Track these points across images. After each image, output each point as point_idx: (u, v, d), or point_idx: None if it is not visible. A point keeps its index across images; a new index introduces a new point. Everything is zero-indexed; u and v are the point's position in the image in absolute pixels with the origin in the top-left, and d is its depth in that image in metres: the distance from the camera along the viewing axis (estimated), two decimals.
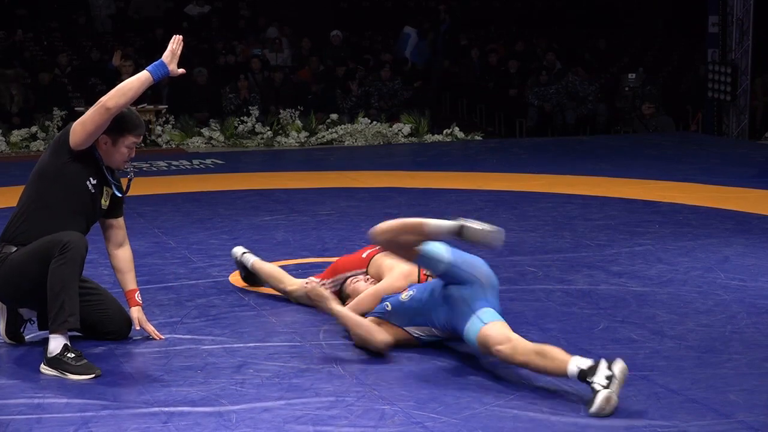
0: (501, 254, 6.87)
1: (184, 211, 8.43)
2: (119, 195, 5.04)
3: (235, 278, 6.24)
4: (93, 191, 4.90)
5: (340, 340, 5.07)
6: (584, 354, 4.79)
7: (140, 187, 9.60)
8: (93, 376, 4.60)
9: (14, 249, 4.82)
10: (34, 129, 13.00)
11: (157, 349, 4.94)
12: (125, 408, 4.20)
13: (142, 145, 12.75)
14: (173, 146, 13.08)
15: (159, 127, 13.19)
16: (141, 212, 8.38)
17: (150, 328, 5.10)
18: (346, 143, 13.49)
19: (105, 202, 5.00)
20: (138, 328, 5.08)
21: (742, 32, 14.49)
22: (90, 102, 13.40)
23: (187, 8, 18.64)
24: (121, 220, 5.14)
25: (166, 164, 11.28)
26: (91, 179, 4.88)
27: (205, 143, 13.34)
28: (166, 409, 4.19)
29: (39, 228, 4.79)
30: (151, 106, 13.30)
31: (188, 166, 11.21)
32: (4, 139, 12.72)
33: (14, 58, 15.66)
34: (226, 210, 8.52)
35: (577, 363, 4.20)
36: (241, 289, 6.03)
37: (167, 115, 13.45)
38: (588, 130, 15.76)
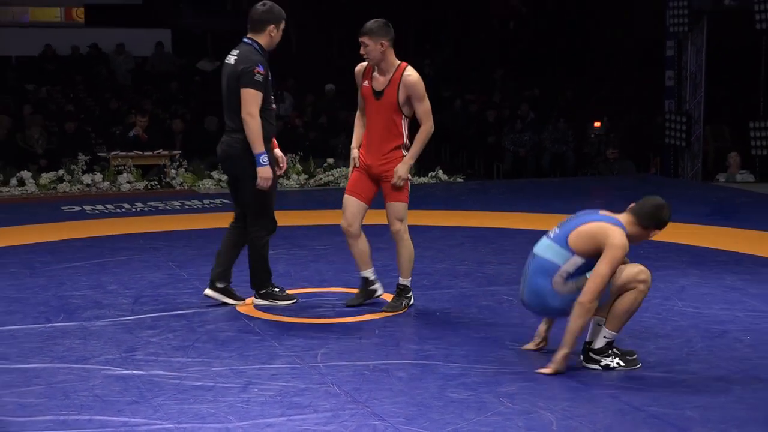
0: (480, 285, 6.89)
1: (195, 246, 8.41)
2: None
3: (242, 307, 6.24)
4: (271, 81, 6.08)
5: (336, 362, 5.07)
6: (557, 377, 4.82)
7: (156, 224, 9.63)
8: (294, 301, 6.21)
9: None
10: (60, 172, 13.00)
11: (170, 371, 4.93)
12: (143, 425, 4.19)
13: (158, 186, 12.76)
14: (186, 187, 13.07)
15: (173, 170, 13.20)
16: (157, 247, 8.37)
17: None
18: (342, 185, 13.50)
19: None
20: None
21: (695, 85, 14.60)
22: (111, 148, 13.47)
23: (199, 63, 18.73)
24: None
25: (179, 204, 11.28)
26: (269, 77, 6.02)
27: (215, 185, 13.32)
28: (180, 425, 4.18)
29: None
30: (166, 152, 13.32)
31: (199, 206, 11.21)
32: (33, 181, 12.72)
33: (42, 109, 15.70)
34: None
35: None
36: (247, 316, 6.02)
37: (181, 160, 13.46)
38: (558, 173, 15.82)
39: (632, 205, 4.98)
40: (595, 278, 4.76)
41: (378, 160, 5.99)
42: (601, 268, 4.76)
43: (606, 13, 20.08)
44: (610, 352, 4.92)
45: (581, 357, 4.94)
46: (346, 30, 18.66)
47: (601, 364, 4.89)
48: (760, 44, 13.79)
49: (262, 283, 6.22)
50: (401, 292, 6.12)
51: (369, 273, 6.14)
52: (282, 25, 6.02)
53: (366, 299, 6.16)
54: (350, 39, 18.38)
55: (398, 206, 5.98)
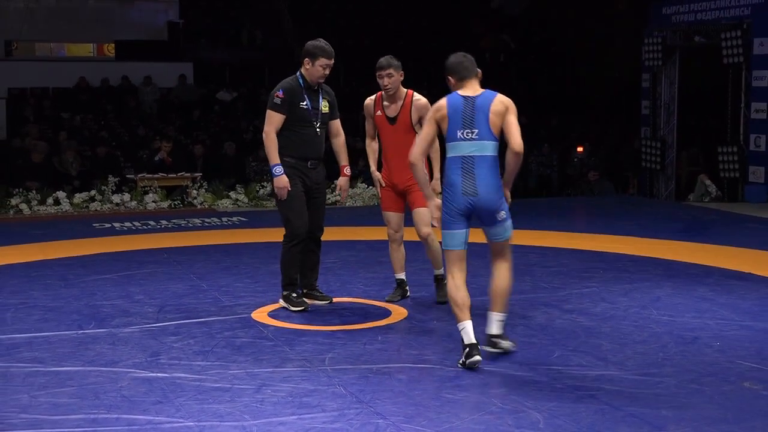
0: (472, 295, 6.86)
1: (214, 260, 8.42)
2: (327, 102, 6.32)
3: (257, 315, 6.23)
4: (308, 107, 6.16)
5: (342, 365, 5.06)
6: (544, 375, 4.81)
7: (178, 240, 9.63)
8: (303, 308, 6.20)
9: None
10: (92, 192, 13.01)
11: (191, 374, 4.92)
12: (166, 422, 4.19)
13: (181, 205, 12.77)
14: (206, 206, 13.08)
15: (194, 191, 13.21)
16: (179, 261, 8.38)
17: (345, 194, 6.51)
18: (348, 204, 13.51)
19: (325, 109, 6.29)
20: (337, 192, 6.56)
21: (668, 114, 14.65)
22: (138, 171, 13.48)
23: (218, 94, 18.77)
24: (337, 121, 6.46)
25: (200, 221, 11.29)
26: (302, 103, 6.15)
27: (232, 204, 13.34)
28: (200, 423, 4.18)
29: (288, 143, 6.18)
30: (188, 174, 13.33)
31: (218, 223, 11.22)
32: (68, 200, 12.73)
33: (76, 135, 15.73)
34: (250, 259, 8.52)
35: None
36: (262, 324, 6.02)
37: (201, 181, 13.47)
38: (544, 193, 15.82)
39: (457, 77, 5.08)
40: (517, 127, 4.90)
41: (403, 177, 6.36)
42: (516, 120, 4.92)
43: (589, 49, 20.14)
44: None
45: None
46: (350, 62, 18.73)
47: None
48: (726, 77, 13.83)
49: (284, 286, 6.36)
50: (439, 281, 6.51)
51: (403, 276, 6.62)
52: (319, 61, 6.15)
53: (401, 297, 6.60)
54: (354, 70, 18.47)
55: (426, 212, 6.32)
